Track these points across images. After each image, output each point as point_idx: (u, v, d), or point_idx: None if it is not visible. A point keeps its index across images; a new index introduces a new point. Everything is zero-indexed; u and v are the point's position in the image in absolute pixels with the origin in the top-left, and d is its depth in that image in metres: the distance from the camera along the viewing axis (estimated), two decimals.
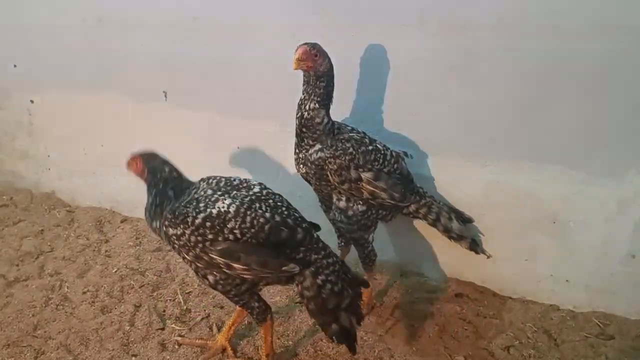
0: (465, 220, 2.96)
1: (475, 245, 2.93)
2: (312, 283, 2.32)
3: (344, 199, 2.73)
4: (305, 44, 2.47)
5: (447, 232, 2.88)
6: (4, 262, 3.38)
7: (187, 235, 2.19)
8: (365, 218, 2.76)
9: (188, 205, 2.23)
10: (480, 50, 2.67)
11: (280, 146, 3.21)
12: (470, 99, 2.79)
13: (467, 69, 2.73)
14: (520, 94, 2.69)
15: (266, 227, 2.23)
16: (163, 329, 2.86)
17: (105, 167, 3.79)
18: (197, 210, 2.20)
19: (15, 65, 3.76)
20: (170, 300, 3.06)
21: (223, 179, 2.40)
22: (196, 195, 2.30)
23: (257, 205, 2.27)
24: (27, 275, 3.27)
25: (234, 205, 2.21)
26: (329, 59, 2.51)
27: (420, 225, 3.17)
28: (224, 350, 2.68)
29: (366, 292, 2.90)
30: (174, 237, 2.23)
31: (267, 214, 2.26)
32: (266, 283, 2.43)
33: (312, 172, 2.68)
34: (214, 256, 2.20)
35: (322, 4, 2.89)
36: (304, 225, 2.37)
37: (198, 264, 2.27)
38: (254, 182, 2.42)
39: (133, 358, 2.67)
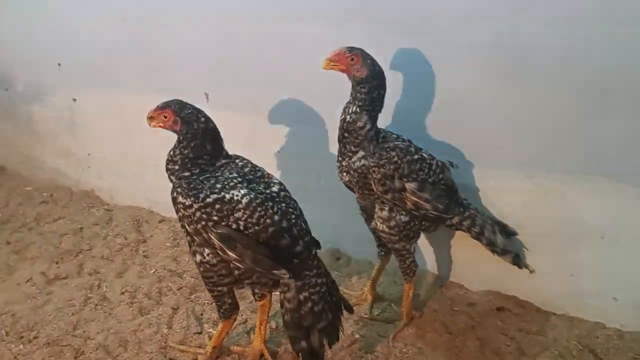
0: (509, 233, 2.89)
1: (518, 260, 2.86)
2: (294, 296, 2.32)
3: (386, 208, 2.68)
4: (346, 47, 2.46)
5: (491, 245, 2.81)
6: (44, 260, 3.41)
7: (193, 209, 2.19)
8: (407, 229, 2.71)
9: (205, 182, 2.23)
10: (533, 59, 2.60)
11: (321, 152, 3.18)
12: (520, 108, 2.72)
13: (517, 77, 2.66)
14: (571, 104, 2.61)
15: (270, 229, 2.23)
16: (200, 332, 2.84)
17: (144, 167, 3.80)
18: (212, 189, 2.20)
19: (59, 64, 3.80)
20: (207, 303, 3.05)
21: (249, 165, 2.39)
22: (217, 174, 2.29)
23: (270, 204, 2.26)
24: (67, 273, 3.30)
25: (247, 197, 2.21)
26: (373, 67, 2.48)
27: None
28: (262, 354, 2.66)
29: (406, 302, 2.86)
30: (181, 206, 2.23)
31: (276, 217, 2.24)
32: (251, 282, 2.42)
33: (355, 180, 2.64)
34: (212, 237, 2.20)
35: (368, 11, 2.85)
36: (306, 238, 2.35)
37: (195, 238, 2.28)
38: (276, 180, 2.40)
39: None
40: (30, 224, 3.81)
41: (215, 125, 2.39)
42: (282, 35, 3.12)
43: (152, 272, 3.30)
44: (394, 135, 2.68)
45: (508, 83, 2.69)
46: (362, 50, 2.49)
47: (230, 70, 3.34)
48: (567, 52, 2.52)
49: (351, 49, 2.47)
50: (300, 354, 2.37)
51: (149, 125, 2.37)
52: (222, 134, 3.34)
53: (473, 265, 3.15)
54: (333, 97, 3.02)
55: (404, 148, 2.59)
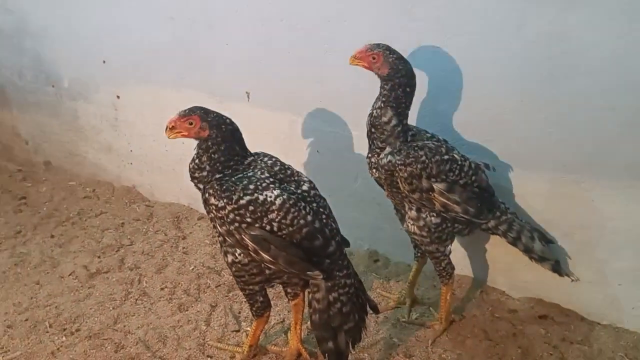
0: (547, 241, 2.81)
1: (558, 267, 2.77)
2: (324, 297, 2.30)
3: (414, 208, 2.64)
4: (370, 44, 2.47)
5: (528, 252, 2.74)
6: (86, 254, 3.47)
7: (226, 211, 2.17)
8: (439, 231, 2.65)
9: (238, 183, 2.20)
10: (579, 61, 2.52)
11: (360, 152, 3.15)
12: (566, 111, 2.64)
13: (564, 79, 2.59)
14: (622, 108, 2.52)
15: (304, 230, 2.21)
16: (238, 330, 2.86)
17: (184, 165, 3.77)
18: (245, 191, 2.17)
19: (104, 62, 3.86)
20: (245, 302, 3.03)
21: (278, 163, 2.36)
22: (249, 174, 2.26)
23: (302, 205, 2.24)
24: (108, 267, 3.35)
25: (281, 198, 2.18)
26: (396, 65, 2.45)
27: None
28: (299, 354, 2.66)
29: (444, 306, 2.82)
30: (214, 207, 2.22)
31: (309, 217, 2.23)
32: (281, 282, 2.43)
33: (383, 177, 2.61)
34: (246, 239, 2.18)
35: (413, 12, 2.81)
36: (337, 238, 2.33)
37: (226, 239, 2.27)
38: (305, 179, 2.38)
39: (209, 359, 2.68)
40: (74, 218, 3.88)
41: (237, 126, 2.36)
42: (324, 35, 3.10)
43: (191, 268, 3.32)
44: (428, 134, 2.64)
45: (554, 86, 2.62)
46: (385, 48, 2.46)
47: (270, 70, 3.33)
48: (618, 52, 2.43)
49: (373, 47, 2.46)
50: (326, 354, 2.36)
51: (168, 136, 2.30)
52: (262, 133, 3.38)
53: (515, 271, 3.07)
54: (372, 97, 3.01)
55: (434, 148, 2.53)
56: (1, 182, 4.34)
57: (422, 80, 2.89)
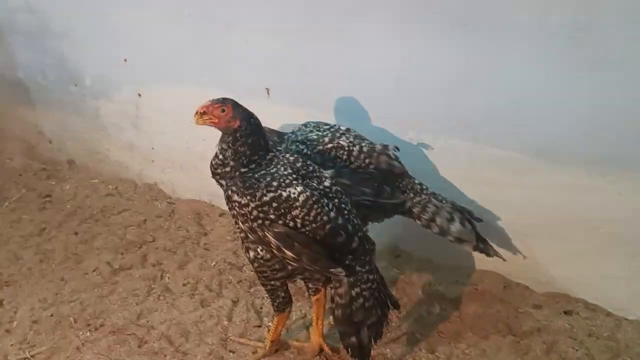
0: (475, 219, 2.76)
1: (484, 248, 2.74)
2: (346, 292, 2.29)
3: None
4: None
5: (443, 234, 2.69)
6: (109, 250, 3.50)
7: (250, 208, 2.17)
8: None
9: (261, 179, 2.19)
10: (609, 53, 2.48)
11: None
12: (595, 103, 2.60)
13: (590, 69, 2.54)
14: None
15: (327, 226, 2.20)
16: (260, 326, 2.86)
17: (206, 162, 3.76)
18: (268, 187, 2.16)
19: (125, 60, 3.88)
20: (266, 297, 3.04)
21: (300, 159, 2.34)
22: (272, 170, 2.24)
23: (325, 201, 2.23)
24: (131, 264, 3.37)
25: (304, 194, 2.17)
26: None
27: (525, 235, 3.01)
28: (321, 350, 2.65)
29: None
30: (237, 204, 2.21)
31: (332, 214, 2.21)
32: (303, 277, 2.42)
33: None
34: (269, 236, 2.18)
35: (432, 6, 2.79)
36: (359, 234, 2.31)
37: (249, 235, 2.27)
38: (326, 174, 2.37)
39: (231, 354, 2.69)
40: (97, 215, 3.91)
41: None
42: (343, 30, 3.09)
43: (212, 264, 3.34)
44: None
45: (579, 75, 2.58)
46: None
47: (290, 66, 3.32)
48: None
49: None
50: (349, 349, 2.36)
51: (197, 121, 2.29)
52: (282, 129, 3.37)
53: (539, 265, 3.04)
54: (395, 92, 3.01)
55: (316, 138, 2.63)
56: (25, 180, 4.39)
57: (443, 73, 2.88)
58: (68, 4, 3.95)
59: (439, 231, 2.70)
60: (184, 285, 3.17)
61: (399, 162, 2.70)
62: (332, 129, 2.72)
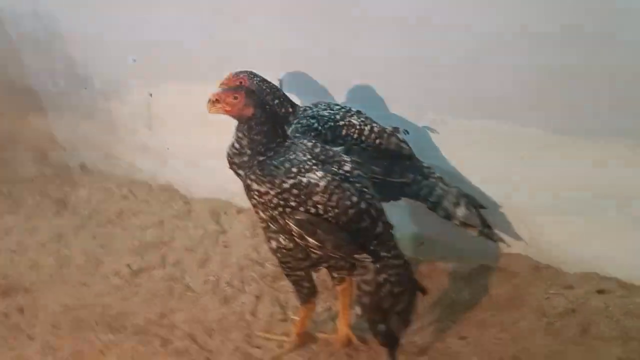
0: (479, 207, 2.72)
1: (489, 233, 2.70)
2: (373, 279, 2.21)
3: None
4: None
5: (449, 218, 2.65)
6: (128, 252, 3.46)
7: (270, 196, 2.11)
8: None
9: (280, 166, 2.13)
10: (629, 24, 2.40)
11: None
12: (619, 74, 2.51)
13: (614, 40, 2.46)
14: None
15: (350, 211, 2.13)
16: (285, 320, 2.81)
17: (220, 159, 3.75)
18: (288, 174, 2.10)
19: (134, 60, 3.84)
20: (290, 292, 2.98)
21: (319, 145, 2.27)
22: (291, 156, 2.18)
23: (346, 185, 2.15)
24: (151, 265, 3.33)
25: (325, 179, 2.11)
26: None
27: (553, 215, 2.93)
28: (349, 340, 2.59)
29: None
30: (256, 193, 2.15)
31: (354, 198, 2.14)
32: (328, 265, 2.36)
33: None
34: (290, 224, 2.11)
35: None
36: (383, 218, 2.24)
37: (270, 225, 2.21)
38: (346, 159, 2.28)
39: (257, 349, 2.63)
40: (113, 219, 3.88)
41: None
42: (352, 19, 3.03)
43: (233, 261, 3.29)
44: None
45: (604, 47, 2.50)
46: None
47: (303, 55, 3.27)
48: None
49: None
50: (378, 337, 2.29)
51: (210, 109, 2.23)
52: None
53: (568, 246, 2.95)
54: (409, 75, 2.94)
55: (328, 116, 2.63)
56: (39, 187, 4.36)
57: (459, 52, 2.82)
58: (74, 7, 3.93)
59: (444, 214, 2.66)
60: (205, 283, 3.13)
61: (407, 145, 2.68)
62: (343, 109, 2.71)
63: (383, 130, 2.64)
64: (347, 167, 2.25)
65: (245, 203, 3.77)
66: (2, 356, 2.70)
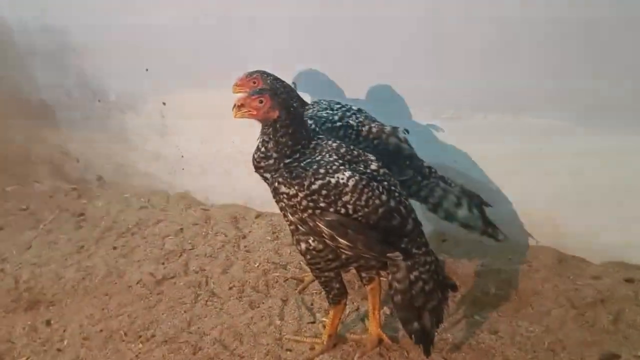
0: (483, 205, 2.67)
1: (492, 233, 2.66)
2: (405, 276, 2.22)
3: None
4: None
5: (449, 219, 2.63)
6: (150, 261, 3.46)
7: (299, 198, 2.11)
8: None
9: (307, 168, 2.13)
10: None
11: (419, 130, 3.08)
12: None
13: (631, 27, 2.45)
14: None
15: (380, 209, 2.13)
16: (314, 322, 2.80)
17: (236, 165, 3.80)
18: (316, 175, 2.10)
19: (147, 69, 3.85)
20: (316, 293, 3.00)
21: (344, 145, 2.27)
22: (317, 157, 2.18)
23: (375, 184, 2.15)
24: (174, 273, 3.32)
25: (353, 179, 2.11)
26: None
27: (576, 206, 2.92)
28: (380, 341, 2.58)
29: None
30: (285, 196, 2.15)
31: (384, 197, 2.14)
32: (358, 266, 2.35)
33: None
34: (321, 225, 2.11)
35: None
36: (413, 215, 2.24)
37: (299, 227, 2.20)
38: (372, 157, 2.29)
39: (288, 353, 2.62)
40: (133, 229, 3.87)
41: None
42: (366, 18, 3.03)
43: (256, 265, 3.28)
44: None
45: (622, 32, 2.49)
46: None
47: (316, 56, 3.27)
48: None
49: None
50: (413, 335, 2.29)
51: (235, 114, 2.23)
52: None
53: (592, 236, 2.95)
54: (424, 72, 2.94)
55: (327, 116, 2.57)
56: (57, 201, 4.37)
57: (475, 47, 2.82)
58: (83, 19, 3.92)
59: (444, 216, 2.64)
60: (230, 288, 3.12)
61: (409, 145, 2.63)
62: (343, 109, 2.67)
63: (381, 130, 2.59)
64: (374, 166, 2.25)
65: (263, 207, 3.81)
66: None
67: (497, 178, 3.04)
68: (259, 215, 3.82)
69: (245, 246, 3.51)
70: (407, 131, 2.65)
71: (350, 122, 2.58)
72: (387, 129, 2.61)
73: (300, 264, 3.25)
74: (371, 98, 3.18)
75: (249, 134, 3.50)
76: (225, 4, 3.43)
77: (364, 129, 2.58)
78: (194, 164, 4.04)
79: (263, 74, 2.72)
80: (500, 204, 3.04)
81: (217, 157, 3.88)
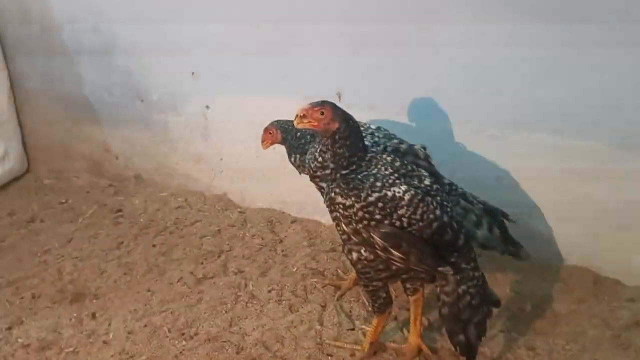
0: (503, 221, 2.63)
1: (514, 252, 2.64)
2: (454, 290, 2.30)
3: None
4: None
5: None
6: (190, 260, 3.55)
7: (355, 209, 2.18)
8: None
9: (365, 180, 2.20)
10: None
11: (461, 145, 3.15)
12: None
13: None
14: None
15: (434, 224, 2.20)
16: (353, 329, 2.86)
17: (275, 170, 3.88)
18: (373, 188, 2.18)
19: (193, 73, 3.95)
20: (354, 300, 3.07)
21: (398, 159, 2.35)
22: (374, 170, 2.27)
23: (429, 199, 2.23)
24: (213, 272, 3.41)
25: (409, 193, 2.19)
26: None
27: (609, 228, 2.98)
28: (420, 350, 2.65)
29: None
30: (340, 206, 2.22)
31: (438, 212, 2.22)
32: (408, 277, 2.42)
33: None
34: (375, 236, 2.18)
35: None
36: (464, 231, 2.31)
37: (352, 237, 2.27)
38: (425, 173, 2.37)
39: (329, 357, 2.70)
40: (171, 227, 3.97)
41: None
42: (413, 32, 3.11)
43: (294, 270, 3.36)
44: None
45: None
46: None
47: (362, 68, 3.35)
48: None
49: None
50: (457, 347, 2.37)
51: (297, 124, 2.30)
52: None
53: (628, 257, 3.00)
54: (469, 89, 3.01)
55: None
56: (95, 197, 4.47)
57: (522, 67, 2.89)
58: (134, 21, 4.03)
59: None
60: (269, 291, 3.19)
61: (428, 162, 2.56)
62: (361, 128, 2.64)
63: (397, 149, 2.54)
64: (427, 182, 2.33)
65: (299, 213, 3.89)
66: None
67: (536, 197, 3.09)
68: (294, 221, 3.90)
69: (282, 250, 3.59)
70: (425, 148, 2.61)
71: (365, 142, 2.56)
72: (403, 147, 2.58)
73: (337, 270, 3.32)
74: (412, 113, 3.26)
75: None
76: (270, 9, 3.52)
77: (378, 149, 2.52)
78: (233, 167, 4.13)
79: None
80: (537, 223, 3.11)
81: (257, 161, 3.96)
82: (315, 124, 2.27)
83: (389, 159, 2.35)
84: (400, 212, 2.18)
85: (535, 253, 3.10)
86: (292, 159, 3.00)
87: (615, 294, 2.96)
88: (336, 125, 2.26)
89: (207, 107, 4.03)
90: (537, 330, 2.78)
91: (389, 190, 2.19)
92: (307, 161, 2.46)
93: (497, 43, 2.93)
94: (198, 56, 3.90)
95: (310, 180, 2.44)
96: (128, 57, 4.19)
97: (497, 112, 3.06)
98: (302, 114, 2.28)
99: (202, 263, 3.53)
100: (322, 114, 2.26)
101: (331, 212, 2.32)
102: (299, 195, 3.75)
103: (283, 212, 4.01)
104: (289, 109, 3.24)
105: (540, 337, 2.74)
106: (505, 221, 2.67)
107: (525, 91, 2.96)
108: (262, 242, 3.70)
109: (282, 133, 2.99)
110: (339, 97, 3.47)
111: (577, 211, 3.03)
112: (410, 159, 2.52)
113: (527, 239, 2.75)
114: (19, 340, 2.96)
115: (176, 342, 2.87)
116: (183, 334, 2.92)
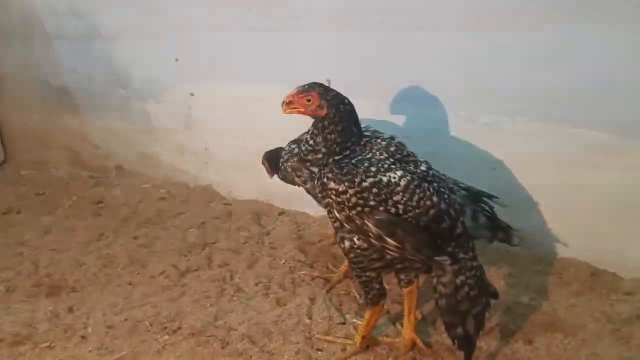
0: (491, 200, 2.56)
1: (505, 238, 2.56)
2: (451, 281, 2.19)
3: None
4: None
5: None
6: (172, 253, 3.41)
7: (348, 195, 2.07)
8: None
9: (359, 165, 2.10)
10: None
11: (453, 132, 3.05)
12: None
13: None
14: None
15: (431, 211, 2.10)
16: (344, 323, 2.75)
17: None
18: (367, 173, 2.07)
19: (177, 59, 3.81)
20: (344, 294, 2.96)
21: (393, 144, 2.25)
22: (368, 155, 2.17)
23: (426, 185, 2.13)
24: (197, 265, 3.28)
25: (405, 179, 2.08)
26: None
27: (609, 220, 2.89)
28: (414, 344, 2.54)
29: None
30: (333, 192, 2.11)
31: (435, 198, 2.11)
32: (402, 267, 2.31)
33: None
34: (369, 224, 2.08)
35: None
36: (461, 219, 2.21)
37: (345, 225, 2.16)
38: (421, 159, 2.27)
39: (319, 352, 2.58)
40: (153, 219, 3.83)
41: (354, 106, 2.26)
42: (404, 22, 3.01)
43: (282, 262, 3.24)
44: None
45: None
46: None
47: (351, 55, 3.24)
48: None
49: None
50: (455, 340, 2.25)
51: (284, 111, 2.23)
52: None
53: (625, 251, 2.92)
54: (462, 75, 2.90)
55: None
56: (75, 188, 4.31)
57: (519, 54, 2.80)
58: (116, 7, 3.88)
59: None
60: (255, 284, 3.07)
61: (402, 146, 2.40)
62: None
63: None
64: (424, 167, 2.22)
65: (286, 205, 3.77)
66: (57, 357, 2.64)
67: (533, 186, 3.01)
68: (282, 213, 3.78)
69: (269, 243, 3.47)
70: (393, 138, 2.42)
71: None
72: (385, 135, 2.43)
73: (327, 263, 3.21)
74: (406, 101, 3.15)
75: (277, 129, 3.49)
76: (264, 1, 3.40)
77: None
78: (219, 158, 4.00)
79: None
80: (534, 212, 3.02)
81: (243, 151, 3.83)
82: (302, 110, 2.19)
83: (383, 143, 2.24)
84: (396, 198, 2.07)
85: (529, 245, 3.05)
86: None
87: (613, 287, 2.89)
88: (324, 111, 2.17)
89: (192, 94, 3.89)
90: (535, 324, 2.69)
91: (384, 176, 2.08)
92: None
93: (490, 28, 2.84)
94: (182, 43, 3.76)
95: (300, 164, 2.32)
96: (110, 43, 4.04)
97: (491, 99, 2.96)
98: (288, 100, 2.20)
99: (185, 256, 3.39)
100: (309, 101, 2.17)
101: (323, 198, 2.20)
102: (287, 187, 3.62)
103: (271, 204, 3.89)
104: (276, 99, 3.15)
105: (538, 330, 2.64)
106: (492, 206, 2.58)
107: (520, 78, 2.86)
108: (248, 234, 3.58)
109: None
110: (329, 84, 3.34)
111: (574, 202, 2.94)
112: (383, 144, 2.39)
113: (522, 231, 2.65)
114: None
115: (158, 336, 2.73)
116: (165, 328, 2.78)
